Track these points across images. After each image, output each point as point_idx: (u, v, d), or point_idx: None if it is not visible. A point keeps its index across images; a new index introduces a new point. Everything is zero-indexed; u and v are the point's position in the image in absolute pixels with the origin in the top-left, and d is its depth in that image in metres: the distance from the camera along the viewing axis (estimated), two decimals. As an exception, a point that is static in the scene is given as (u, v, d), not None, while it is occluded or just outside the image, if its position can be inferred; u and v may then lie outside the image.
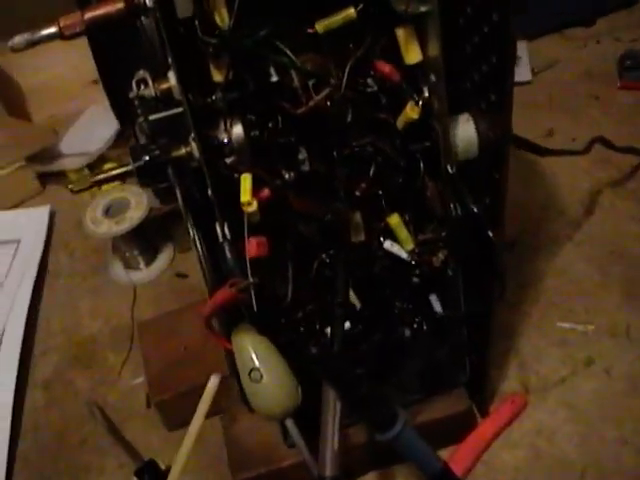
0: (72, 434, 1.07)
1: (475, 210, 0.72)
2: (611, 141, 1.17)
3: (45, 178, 1.52)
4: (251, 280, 0.65)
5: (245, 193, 0.66)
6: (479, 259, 0.77)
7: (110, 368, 1.14)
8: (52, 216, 1.42)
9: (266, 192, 0.72)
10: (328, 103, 0.70)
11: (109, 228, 1.20)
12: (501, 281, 0.75)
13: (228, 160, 0.69)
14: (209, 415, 0.85)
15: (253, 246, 0.72)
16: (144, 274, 1.28)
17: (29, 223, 1.40)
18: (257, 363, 0.69)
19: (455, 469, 0.75)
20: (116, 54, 0.90)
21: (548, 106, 1.40)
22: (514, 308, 1.10)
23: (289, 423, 0.71)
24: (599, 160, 1.26)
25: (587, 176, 1.26)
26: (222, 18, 0.63)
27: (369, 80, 0.75)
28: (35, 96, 1.67)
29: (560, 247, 1.16)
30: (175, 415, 1.02)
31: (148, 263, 1.29)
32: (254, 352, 0.69)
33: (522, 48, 1.50)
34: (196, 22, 0.61)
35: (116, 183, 1.17)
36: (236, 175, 0.68)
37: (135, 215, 1.20)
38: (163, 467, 0.97)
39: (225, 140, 0.68)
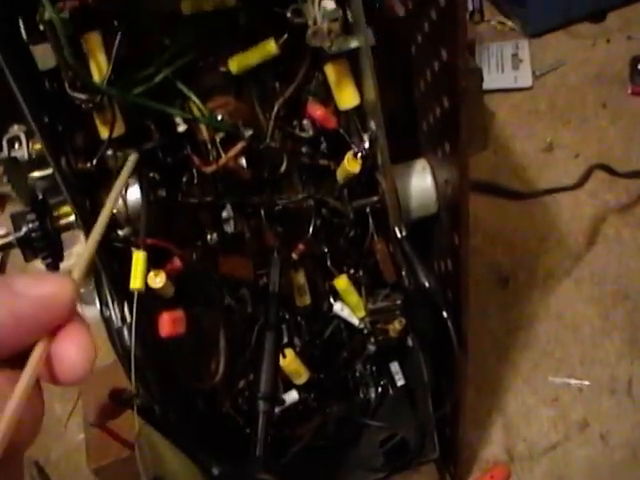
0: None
1: (427, 284, 0.59)
2: (612, 167, 1.01)
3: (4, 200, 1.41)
4: (134, 390, 0.52)
5: (136, 276, 0.54)
6: (440, 337, 0.65)
7: (57, 420, 1.04)
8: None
9: (177, 262, 0.61)
10: (243, 160, 0.58)
11: (56, 264, 1.08)
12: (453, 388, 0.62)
13: (122, 232, 0.57)
14: None
15: (166, 324, 0.61)
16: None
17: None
18: (160, 471, 0.58)
19: None
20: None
21: (550, 115, 1.24)
22: (501, 357, 0.97)
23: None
24: (606, 181, 1.10)
25: (591, 200, 1.10)
26: (99, 66, 0.52)
27: (305, 123, 0.63)
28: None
29: (557, 284, 1.02)
30: (116, 483, 0.91)
31: (105, 297, 1.17)
32: (158, 458, 0.58)
33: (523, 48, 1.34)
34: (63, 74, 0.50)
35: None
36: (133, 249, 0.57)
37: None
38: None
39: (115, 209, 0.56)
